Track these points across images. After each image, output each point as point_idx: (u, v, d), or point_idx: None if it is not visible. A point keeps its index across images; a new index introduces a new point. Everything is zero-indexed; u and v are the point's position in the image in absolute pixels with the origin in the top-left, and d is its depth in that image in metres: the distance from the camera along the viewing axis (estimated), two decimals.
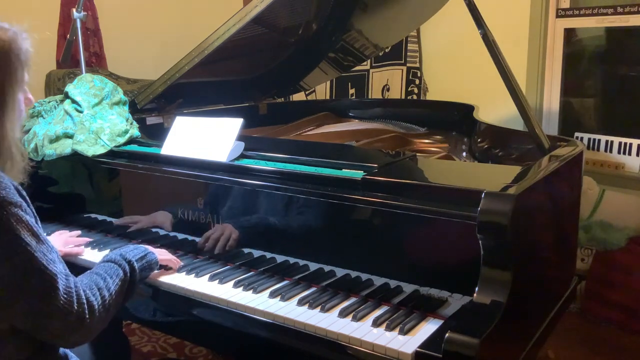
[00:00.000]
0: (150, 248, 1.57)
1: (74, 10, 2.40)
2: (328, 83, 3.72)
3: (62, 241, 1.79)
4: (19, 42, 1.27)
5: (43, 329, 1.21)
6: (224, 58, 2.19)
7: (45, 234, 1.25)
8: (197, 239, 1.73)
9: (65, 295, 1.19)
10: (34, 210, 1.26)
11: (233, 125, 1.75)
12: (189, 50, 2.03)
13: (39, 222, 1.26)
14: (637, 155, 3.13)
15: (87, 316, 1.22)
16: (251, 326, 1.41)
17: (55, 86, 2.92)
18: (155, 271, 1.57)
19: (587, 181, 2.92)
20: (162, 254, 1.60)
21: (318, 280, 1.51)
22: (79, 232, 1.89)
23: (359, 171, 1.51)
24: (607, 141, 3.23)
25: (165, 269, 1.62)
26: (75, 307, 1.20)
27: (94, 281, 1.31)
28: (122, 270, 1.40)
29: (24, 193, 1.25)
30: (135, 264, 1.44)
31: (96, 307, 1.25)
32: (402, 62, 4.04)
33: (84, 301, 1.23)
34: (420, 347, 1.21)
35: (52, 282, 1.18)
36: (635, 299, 2.79)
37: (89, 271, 1.38)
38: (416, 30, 3.98)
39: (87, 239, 1.85)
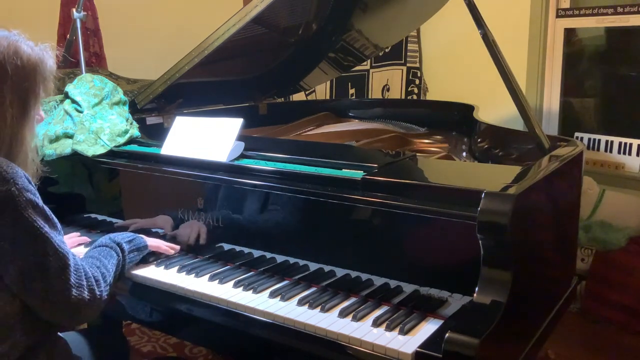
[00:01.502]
0: (144, 238, 1.65)
1: (74, 10, 2.40)
2: (328, 83, 3.72)
3: None
4: (45, 60, 1.36)
5: (59, 305, 1.27)
6: (224, 58, 2.19)
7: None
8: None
9: (75, 272, 1.29)
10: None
11: (233, 125, 1.75)
12: (189, 50, 2.02)
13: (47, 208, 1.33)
14: (637, 155, 3.13)
15: (96, 290, 1.33)
16: (251, 326, 1.41)
17: (55, 86, 2.91)
18: (153, 266, 1.63)
19: (587, 181, 2.92)
20: (151, 240, 1.67)
21: (318, 280, 1.51)
22: (77, 233, 1.89)
23: (359, 171, 1.51)
24: (607, 141, 3.23)
25: (159, 256, 1.70)
26: (85, 282, 1.30)
27: (92, 262, 1.42)
28: (114, 252, 1.50)
29: (32, 183, 1.31)
30: (125, 246, 1.54)
31: (101, 281, 1.36)
32: (402, 62, 4.04)
33: (90, 276, 1.33)
34: (420, 347, 1.21)
35: (66, 261, 1.27)
36: (635, 299, 2.79)
37: (83, 255, 1.47)
38: (416, 30, 3.98)
39: (87, 239, 1.85)
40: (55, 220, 1.31)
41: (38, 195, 1.29)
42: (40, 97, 1.36)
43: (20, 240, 1.23)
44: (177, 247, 1.73)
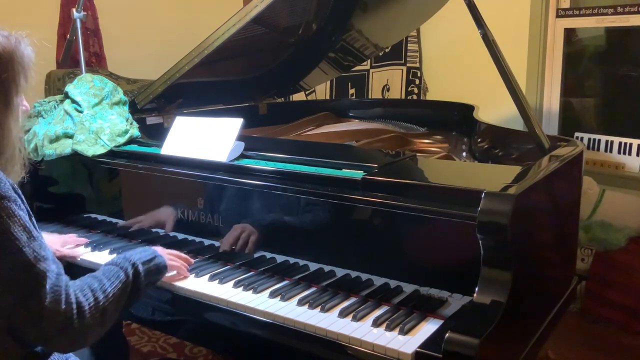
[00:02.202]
0: (160, 250, 1.53)
1: (74, 10, 2.40)
2: (328, 83, 3.72)
3: (61, 242, 1.78)
4: (21, 49, 1.31)
5: (29, 327, 1.18)
6: (224, 58, 2.19)
7: (40, 232, 1.24)
8: (197, 239, 1.74)
9: (51, 294, 1.17)
10: (28, 208, 1.25)
11: (233, 125, 1.75)
12: (189, 50, 2.03)
13: (33, 219, 1.25)
14: (637, 155, 3.13)
15: (75, 317, 1.19)
16: (251, 326, 1.41)
17: (55, 86, 2.92)
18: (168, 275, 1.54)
19: (587, 181, 2.91)
20: (172, 259, 1.55)
21: (318, 280, 1.51)
22: (74, 235, 1.86)
23: (359, 171, 1.51)
24: (607, 141, 3.23)
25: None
26: (63, 307, 1.18)
27: (87, 283, 1.28)
28: (123, 272, 1.36)
29: (19, 191, 1.24)
30: (140, 267, 1.40)
31: (86, 308, 1.21)
32: (402, 62, 4.04)
33: (73, 301, 1.20)
34: (420, 347, 1.21)
35: (39, 280, 1.17)
36: (635, 299, 2.79)
37: (87, 274, 1.35)
38: (416, 30, 3.98)
39: (85, 240, 1.84)
40: (37, 234, 1.21)
41: (20, 204, 1.21)
42: (21, 86, 1.32)
43: None
44: (192, 260, 1.63)
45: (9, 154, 1.29)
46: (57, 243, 1.76)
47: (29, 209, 1.26)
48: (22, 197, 1.25)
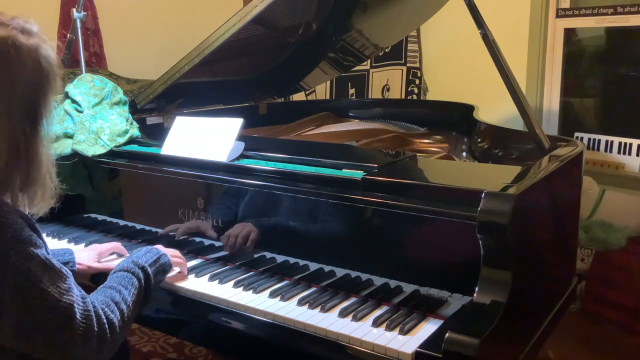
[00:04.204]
0: (162, 249, 1.53)
1: (74, 10, 2.40)
2: (328, 83, 3.72)
3: (95, 257, 1.65)
4: (44, 50, 1.16)
5: (68, 356, 1.17)
6: (224, 58, 2.19)
7: (57, 262, 1.18)
8: (197, 239, 1.74)
9: (84, 321, 1.16)
10: (44, 239, 1.20)
11: (233, 125, 1.75)
12: (189, 50, 2.03)
13: (48, 249, 1.21)
14: (637, 155, 3.13)
15: (109, 335, 1.20)
16: (251, 326, 1.41)
17: None
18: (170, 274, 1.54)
19: (587, 181, 2.91)
20: (174, 256, 1.56)
21: (318, 280, 1.51)
22: (119, 243, 1.77)
23: (359, 171, 1.51)
24: (607, 141, 3.23)
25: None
26: (96, 329, 1.17)
27: (109, 296, 1.27)
28: (136, 278, 1.36)
29: (33, 221, 1.19)
30: (148, 269, 1.41)
31: (116, 323, 1.22)
32: (402, 62, 4.04)
33: (104, 321, 1.20)
34: (420, 347, 1.21)
35: (69, 312, 1.14)
36: (635, 299, 2.79)
37: (102, 285, 1.33)
38: (416, 30, 3.98)
39: (125, 251, 1.74)
40: (57, 266, 1.16)
41: (37, 240, 1.15)
42: (49, 100, 1.18)
43: (11, 296, 1.10)
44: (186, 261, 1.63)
45: (39, 183, 1.20)
46: (90, 259, 1.63)
47: (44, 240, 1.21)
48: (37, 228, 1.19)
